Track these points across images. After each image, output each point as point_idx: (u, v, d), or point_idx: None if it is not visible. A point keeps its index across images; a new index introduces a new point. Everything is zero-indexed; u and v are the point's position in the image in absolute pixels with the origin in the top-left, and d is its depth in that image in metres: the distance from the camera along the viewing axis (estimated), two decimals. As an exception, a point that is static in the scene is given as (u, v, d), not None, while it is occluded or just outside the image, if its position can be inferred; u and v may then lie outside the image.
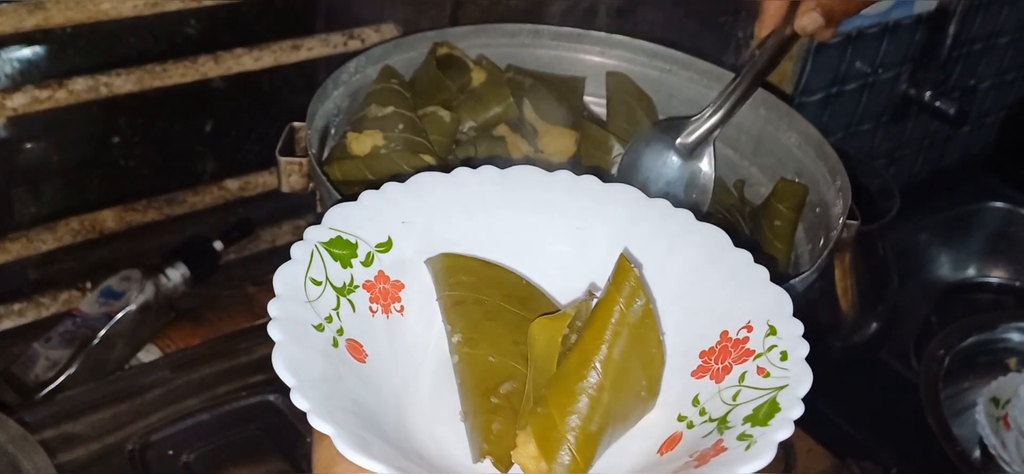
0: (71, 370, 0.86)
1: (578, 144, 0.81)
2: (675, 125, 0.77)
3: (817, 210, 0.75)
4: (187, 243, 0.96)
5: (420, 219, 0.50)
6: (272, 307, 0.43)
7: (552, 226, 0.51)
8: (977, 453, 1.07)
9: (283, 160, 0.71)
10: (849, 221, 0.71)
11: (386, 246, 0.49)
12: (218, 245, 0.98)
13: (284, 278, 0.44)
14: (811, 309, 1.06)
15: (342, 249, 0.47)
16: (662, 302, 0.47)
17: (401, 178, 0.50)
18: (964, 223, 1.47)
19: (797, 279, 0.64)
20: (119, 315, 0.88)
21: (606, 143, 0.80)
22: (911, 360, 1.24)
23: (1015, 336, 1.17)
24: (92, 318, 0.88)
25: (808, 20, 0.70)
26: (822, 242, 0.71)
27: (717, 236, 0.49)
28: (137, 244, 0.97)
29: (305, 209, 1.05)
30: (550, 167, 0.52)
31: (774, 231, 0.74)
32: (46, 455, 0.64)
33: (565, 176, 0.52)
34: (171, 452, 0.80)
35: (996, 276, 1.48)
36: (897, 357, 1.22)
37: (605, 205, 0.51)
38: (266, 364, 0.92)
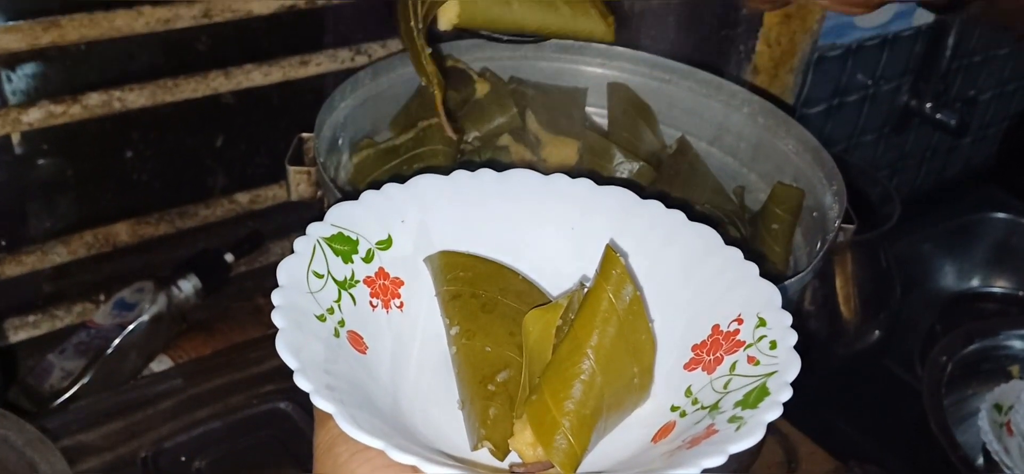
0: (85, 380, 0.87)
1: (580, 153, 0.83)
2: None
3: (814, 214, 0.76)
4: (198, 255, 0.98)
5: (419, 218, 0.51)
6: (276, 296, 0.43)
7: (548, 225, 0.52)
8: (980, 460, 1.07)
9: (292, 169, 0.72)
10: (845, 225, 0.72)
11: (386, 244, 0.50)
12: (229, 257, 0.99)
13: (287, 269, 0.45)
14: (813, 316, 1.07)
15: (343, 245, 0.48)
16: (654, 297, 0.48)
17: (402, 179, 0.51)
18: (967, 234, 1.48)
19: (793, 280, 0.65)
20: (132, 326, 0.90)
21: (607, 152, 0.82)
22: (916, 369, 1.24)
23: (1017, 343, 1.17)
24: (105, 329, 0.90)
25: None
26: (819, 245, 0.72)
27: (708, 234, 0.50)
28: (149, 257, 0.99)
29: (314, 223, 1.06)
30: (547, 171, 0.53)
31: (772, 234, 0.75)
32: (62, 458, 0.65)
33: (561, 178, 0.53)
34: (183, 459, 0.81)
35: (1000, 286, 1.48)
36: (901, 366, 1.23)
37: (599, 205, 0.52)
38: (277, 374, 0.94)
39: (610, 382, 0.44)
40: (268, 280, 1.03)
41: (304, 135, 0.75)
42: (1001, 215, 1.48)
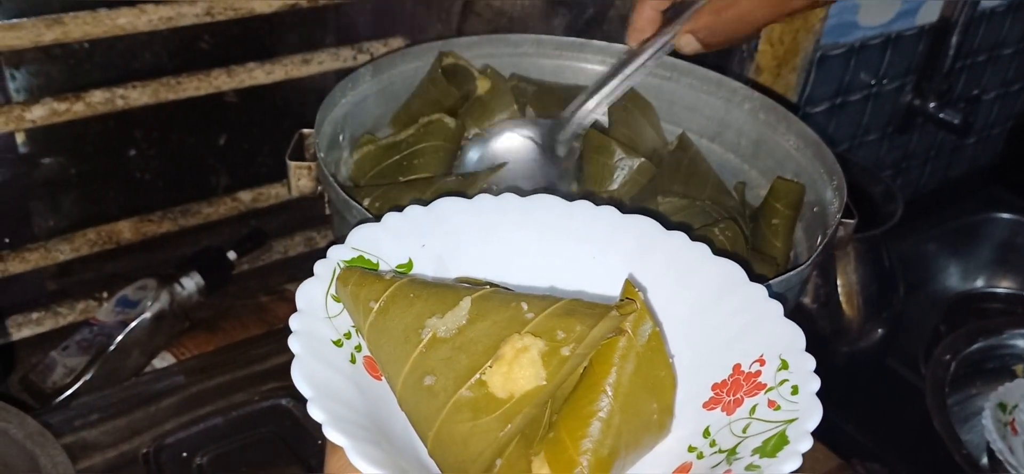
0: (87, 377, 0.87)
1: (581, 150, 0.83)
2: (543, 127, 0.80)
3: (815, 210, 0.76)
4: (201, 253, 0.98)
5: (440, 242, 0.50)
6: (293, 321, 0.43)
7: (569, 254, 0.51)
8: (985, 459, 1.07)
9: (292, 164, 0.73)
10: (845, 219, 0.72)
11: (406, 268, 0.49)
12: (231, 255, 0.99)
13: (306, 294, 0.45)
14: (816, 313, 1.07)
15: (363, 268, 0.47)
16: (675, 332, 0.47)
17: (424, 202, 0.51)
18: (972, 234, 1.47)
19: (792, 273, 0.65)
20: (134, 323, 0.90)
21: (608, 149, 0.81)
22: (919, 368, 1.24)
23: (1022, 342, 1.17)
24: (108, 326, 0.90)
25: (685, 42, 0.75)
26: (819, 239, 0.72)
27: (732, 269, 0.49)
28: (152, 255, 0.99)
29: (317, 221, 1.07)
30: (570, 197, 0.52)
31: (772, 229, 0.75)
32: (63, 451, 0.65)
33: (584, 205, 0.52)
34: (185, 455, 0.82)
35: (1005, 286, 1.48)
36: (905, 365, 1.22)
37: (621, 234, 0.51)
38: (279, 371, 0.94)
39: (628, 420, 0.43)
40: (271, 278, 1.04)
41: (305, 131, 0.75)
42: (1006, 215, 1.47)
